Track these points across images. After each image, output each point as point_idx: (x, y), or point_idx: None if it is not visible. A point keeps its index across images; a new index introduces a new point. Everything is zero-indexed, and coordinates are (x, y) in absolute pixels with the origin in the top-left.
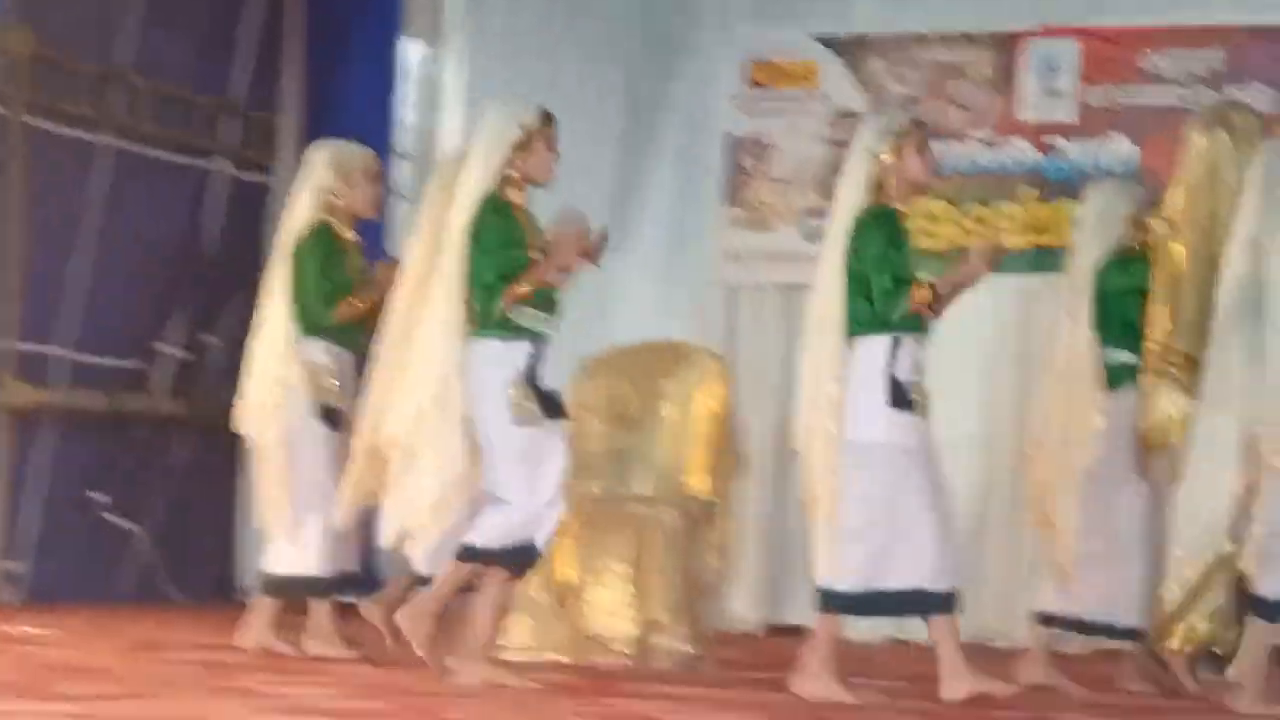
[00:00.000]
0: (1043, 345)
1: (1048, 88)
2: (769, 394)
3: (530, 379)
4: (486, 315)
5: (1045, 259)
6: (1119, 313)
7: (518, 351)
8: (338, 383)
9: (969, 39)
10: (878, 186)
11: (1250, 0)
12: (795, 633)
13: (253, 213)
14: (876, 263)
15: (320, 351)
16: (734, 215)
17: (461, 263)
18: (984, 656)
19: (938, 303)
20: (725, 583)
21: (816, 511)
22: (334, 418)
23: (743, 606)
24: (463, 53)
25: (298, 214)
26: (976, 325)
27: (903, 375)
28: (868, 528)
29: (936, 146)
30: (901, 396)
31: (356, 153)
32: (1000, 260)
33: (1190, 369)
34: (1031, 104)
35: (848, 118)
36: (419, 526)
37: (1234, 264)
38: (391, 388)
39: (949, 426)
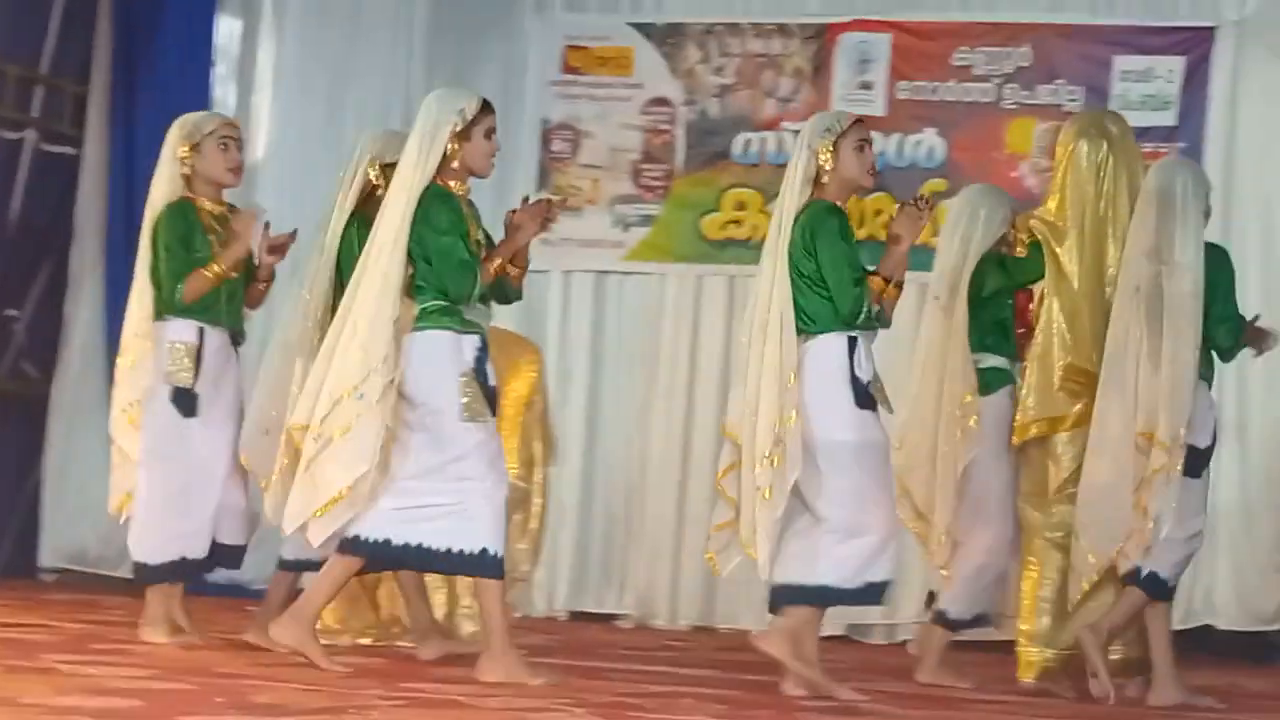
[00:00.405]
0: (915, 349)
1: (859, 80)
2: (580, 380)
3: (480, 375)
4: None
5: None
6: (992, 315)
7: (468, 345)
8: (190, 364)
9: (783, 30)
10: (816, 184)
11: None
12: (598, 620)
13: (61, 185)
14: (834, 262)
15: (185, 331)
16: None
17: (400, 253)
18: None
19: (894, 291)
20: (534, 568)
21: (764, 508)
22: (187, 401)
23: (548, 592)
24: (275, 30)
25: (155, 190)
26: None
27: (862, 374)
28: (854, 524)
29: (750, 138)
30: (865, 395)
31: (207, 119)
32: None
33: (1088, 381)
34: (843, 96)
35: (661, 105)
36: (324, 514)
37: (1131, 272)
38: (318, 374)
39: None
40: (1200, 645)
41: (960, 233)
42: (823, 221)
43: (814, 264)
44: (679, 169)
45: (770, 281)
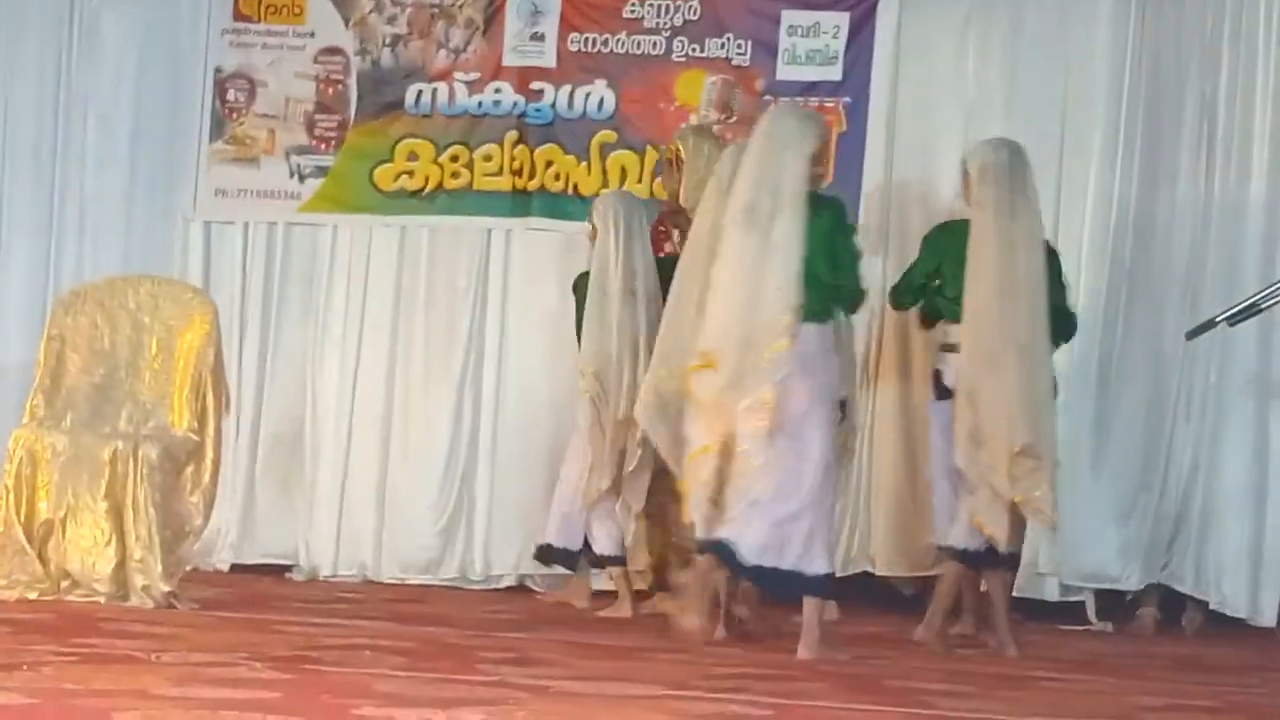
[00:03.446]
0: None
1: (531, 32)
2: (253, 332)
3: None
4: None
5: (522, 203)
6: None
7: None
8: None
9: None
10: None
11: None
12: (262, 571)
13: None
14: (853, 262)
15: None
16: (221, 151)
17: None
18: None
19: None
20: (204, 521)
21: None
22: None
23: (218, 544)
24: None
25: None
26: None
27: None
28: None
29: (422, 88)
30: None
31: None
32: None
33: None
34: (514, 48)
35: (334, 54)
36: None
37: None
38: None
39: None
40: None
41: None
42: (841, 221)
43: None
44: (351, 119)
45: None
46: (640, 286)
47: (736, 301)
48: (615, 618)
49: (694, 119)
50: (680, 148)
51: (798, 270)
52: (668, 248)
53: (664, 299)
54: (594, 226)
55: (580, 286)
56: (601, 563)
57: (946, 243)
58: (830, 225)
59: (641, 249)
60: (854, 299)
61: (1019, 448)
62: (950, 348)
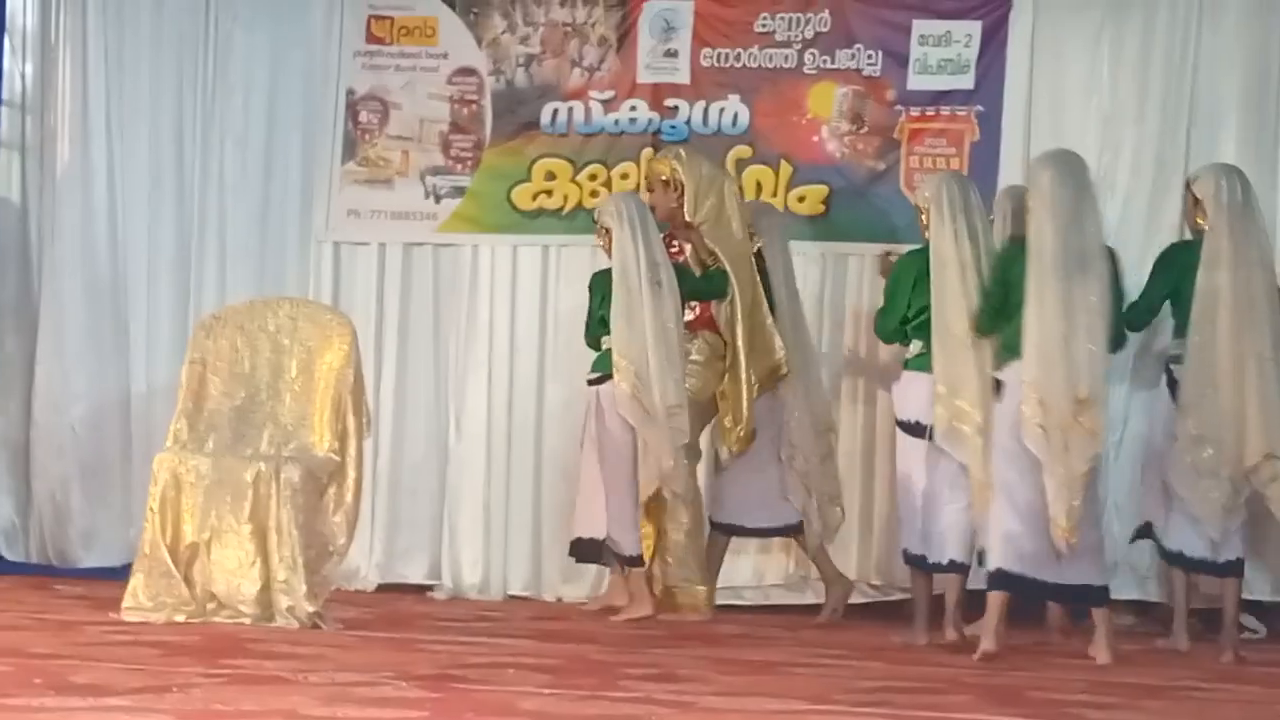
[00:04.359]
0: None
1: (665, 49)
2: (389, 353)
3: None
4: None
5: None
6: None
7: None
8: None
9: None
10: None
11: None
12: (403, 590)
13: None
14: None
15: None
16: (353, 172)
17: None
18: None
19: None
20: (347, 541)
21: None
22: None
23: (360, 565)
24: (73, 2)
25: None
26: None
27: None
28: None
29: (557, 107)
30: None
31: None
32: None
33: None
34: (648, 65)
35: (468, 75)
36: None
37: None
38: None
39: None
40: None
41: None
42: None
43: None
44: (487, 139)
45: None
46: (664, 276)
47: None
48: (637, 617)
49: (825, 131)
50: (677, 167)
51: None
52: (680, 260)
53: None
54: (606, 229)
55: (599, 284)
56: (632, 563)
57: (1184, 263)
58: None
59: (657, 242)
60: None
61: (1264, 454)
62: (1177, 359)
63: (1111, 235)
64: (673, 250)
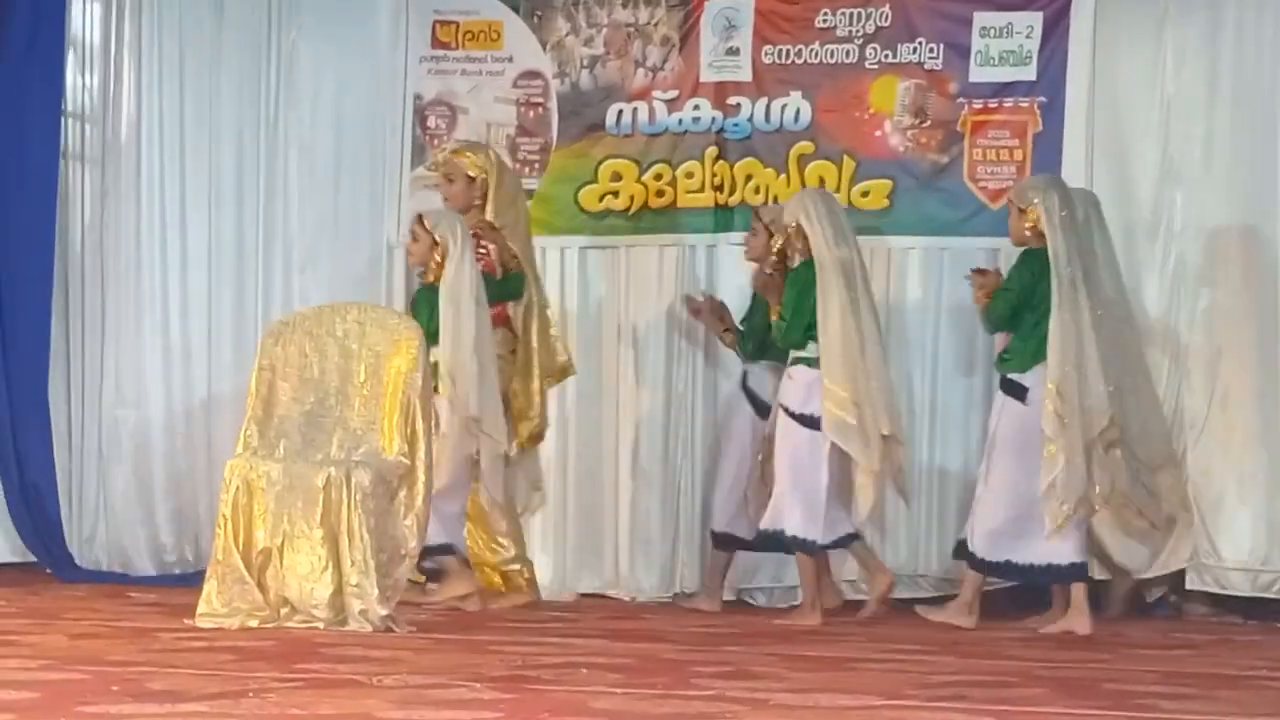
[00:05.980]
0: None
1: (726, 47)
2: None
3: None
4: None
5: (724, 218)
6: None
7: None
8: None
9: None
10: None
11: None
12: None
13: None
14: None
15: None
16: (423, 177)
17: None
18: None
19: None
20: (418, 544)
21: None
22: None
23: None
24: (136, 12)
25: None
26: (659, 284)
27: None
28: None
29: (622, 108)
30: None
31: None
32: None
33: None
34: (711, 63)
35: (533, 78)
36: None
37: None
38: None
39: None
40: None
41: None
42: None
43: None
44: (554, 142)
45: None
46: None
47: None
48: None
49: (887, 125)
50: (487, 168)
51: None
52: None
53: None
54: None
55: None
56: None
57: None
58: None
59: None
60: None
61: None
62: None
63: (1179, 226)
64: (480, 253)
